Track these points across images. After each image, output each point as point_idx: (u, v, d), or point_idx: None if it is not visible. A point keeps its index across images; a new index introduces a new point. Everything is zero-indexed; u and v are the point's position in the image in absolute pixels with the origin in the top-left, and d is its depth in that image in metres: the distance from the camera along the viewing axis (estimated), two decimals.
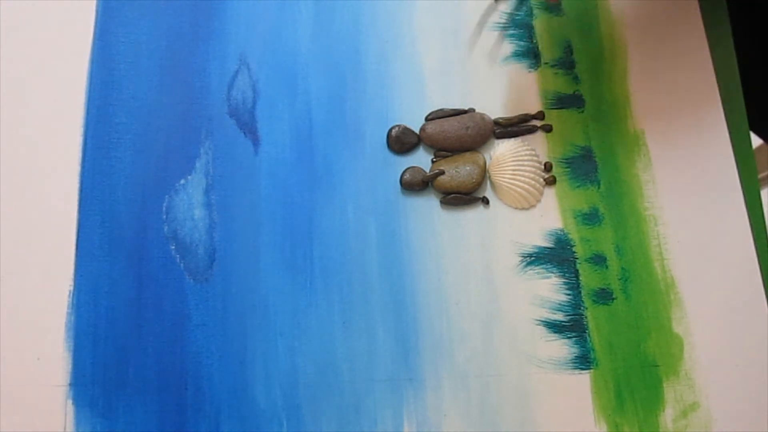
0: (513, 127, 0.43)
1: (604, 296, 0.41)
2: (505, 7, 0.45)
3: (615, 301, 0.40)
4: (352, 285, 0.40)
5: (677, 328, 0.40)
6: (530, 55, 0.45)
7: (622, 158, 0.43)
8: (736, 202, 0.42)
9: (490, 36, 0.45)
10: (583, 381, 0.39)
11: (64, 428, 0.36)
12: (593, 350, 0.40)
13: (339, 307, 0.39)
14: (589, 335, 0.40)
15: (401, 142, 0.42)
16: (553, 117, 0.44)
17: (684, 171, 0.43)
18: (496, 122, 0.43)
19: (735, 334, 0.40)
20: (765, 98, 0.52)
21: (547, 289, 0.40)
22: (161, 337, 0.38)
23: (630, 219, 0.42)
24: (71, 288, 0.38)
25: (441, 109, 0.43)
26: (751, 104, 0.44)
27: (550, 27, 0.45)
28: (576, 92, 0.44)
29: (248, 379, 0.38)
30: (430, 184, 0.42)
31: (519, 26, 0.45)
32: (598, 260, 0.41)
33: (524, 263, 0.41)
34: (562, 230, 0.42)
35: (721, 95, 0.44)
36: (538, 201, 0.42)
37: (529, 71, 0.45)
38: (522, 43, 0.45)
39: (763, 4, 0.52)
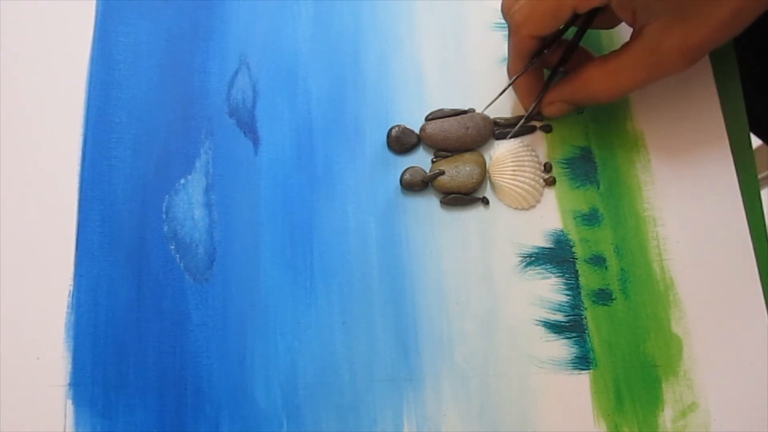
0: (512, 128, 0.43)
1: (603, 297, 0.41)
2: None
3: (614, 301, 0.41)
4: (352, 285, 0.40)
5: (676, 329, 0.40)
6: None
7: (621, 159, 0.43)
8: (736, 202, 0.42)
9: (490, 36, 0.45)
10: (582, 381, 0.39)
11: (64, 428, 0.36)
12: (593, 351, 0.40)
13: (339, 307, 0.39)
14: (588, 336, 0.40)
15: (401, 142, 0.42)
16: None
17: (684, 171, 0.43)
18: (496, 122, 0.43)
19: (734, 334, 0.40)
20: (765, 99, 0.53)
21: (547, 289, 0.41)
22: (161, 337, 0.38)
23: (629, 219, 0.42)
24: (71, 288, 0.38)
25: (441, 109, 0.43)
26: (751, 105, 0.44)
27: None
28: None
29: (248, 379, 0.38)
30: (430, 184, 0.42)
31: None
32: (598, 261, 0.41)
33: (524, 263, 0.41)
34: (561, 231, 0.42)
35: (720, 96, 0.44)
36: (538, 201, 0.42)
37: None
38: None
39: None
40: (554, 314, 0.40)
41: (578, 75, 0.40)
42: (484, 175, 0.42)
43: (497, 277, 0.41)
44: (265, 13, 0.44)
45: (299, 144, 0.42)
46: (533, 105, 0.42)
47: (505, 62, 0.43)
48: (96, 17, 0.43)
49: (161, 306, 0.39)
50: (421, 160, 0.43)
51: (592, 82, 0.39)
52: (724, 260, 0.41)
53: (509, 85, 0.41)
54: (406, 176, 0.41)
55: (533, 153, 0.43)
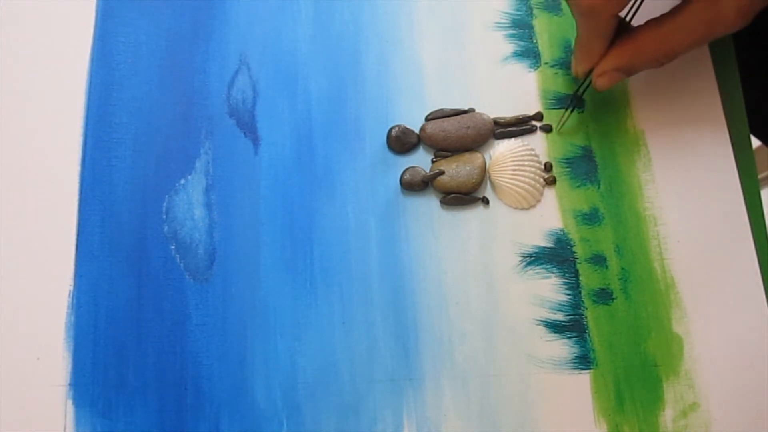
0: (512, 128, 0.43)
1: (604, 296, 0.41)
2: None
3: (615, 301, 0.40)
4: (352, 285, 0.40)
5: (677, 328, 0.40)
6: (530, 55, 0.45)
7: (622, 158, 0.43)
8: (736, 202, 0.42)
9: (490, 36, 0.45)
10: (583, 381, 0.39)
11: (64, 428, 0.36)
12: (593, 350, 0.40)
13: (339, 307, 0.39)
14: (589, 335, 0.40)
15: (401, 142, 0.42)
16: (553, 117, 0.44)
17: (684, 171, 0.43)
18: (496, 122, 0.43)
19: (735, 334, 0.40)
20: (765, 99, 0.52)
21: (547, 289, 0.40)
22: (161, 337, 0.38)
23: (630, 219, 0.42)
24: (71, 288, 0.38)
25: (441, 109, 0.43)
26: (751, 105, 0.44)
27: (550, 27, 0.45)
28: (576, 92, 0.44)
29: (248, 379, 0.38)
30: (430, 184, 0.42)
31: (519, 26, 0.45)
32: (598, 260, 0.41)
33: (524, 263, 0.41)
34: (562, 230, 0.42)
35: (721, 96, 0.44)
36: (538, 201, 0.42)
37: (529, 71, 0.45)
38: (522, 43, 0.45)
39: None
40: (554, 314, 0.40)
41: (631, 40, 0.39)
42: (484, 174, 0.42)
43: (497, 277, 0.41)
44: (265, 13, 0.44)
45: (299, 144, 0.42)
46: (586, 80, 0.42)
47: (505, 61, 0.43)
48: (96, 17, 0.43)
49: (161, 306, 0.39)
50: (421, 160, 0.43)
51: (648, 46, 0.39)
52: (725, 259, 0.41)
53: (585, 80, 0.41)
54: (406, 176, 0.41)
55: (533, 153, 0.43)
